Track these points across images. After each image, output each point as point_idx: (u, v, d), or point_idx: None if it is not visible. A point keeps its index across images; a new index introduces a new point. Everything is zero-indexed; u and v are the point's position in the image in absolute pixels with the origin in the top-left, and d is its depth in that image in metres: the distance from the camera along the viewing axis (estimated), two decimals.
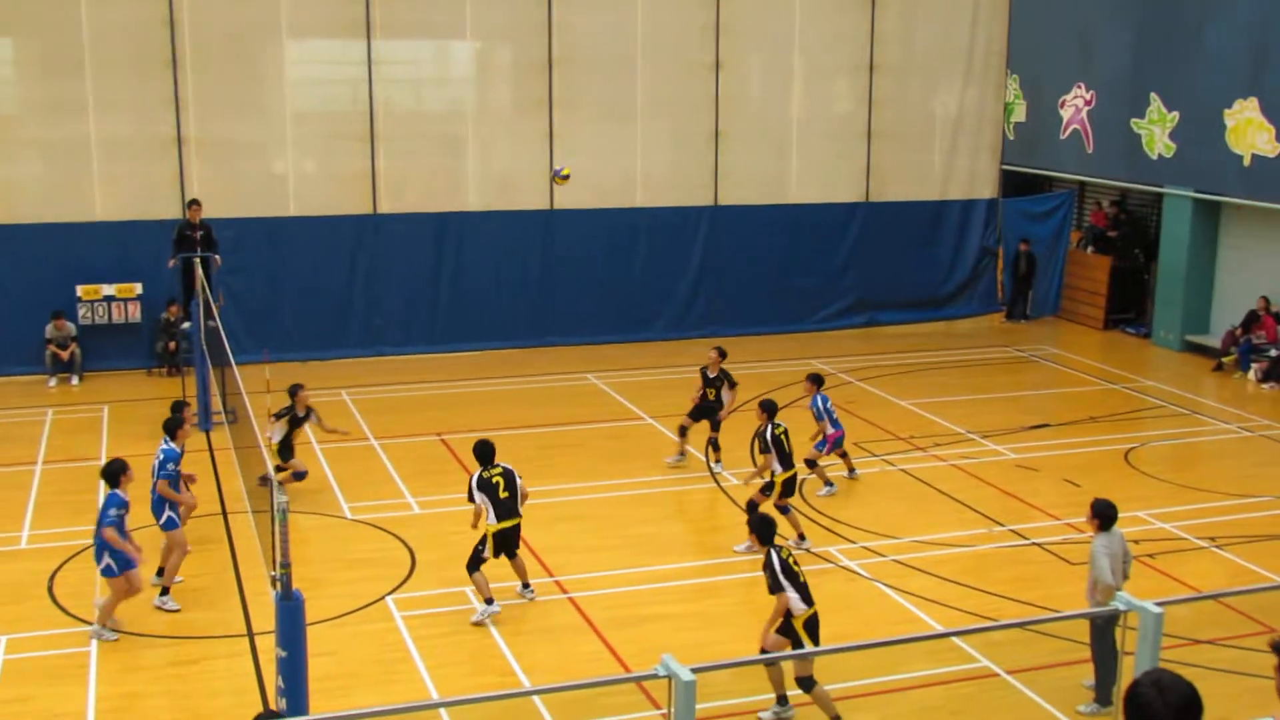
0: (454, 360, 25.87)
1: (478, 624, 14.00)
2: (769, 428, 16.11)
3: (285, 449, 17.58)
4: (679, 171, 27.48)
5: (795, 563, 12.14)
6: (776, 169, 28.07)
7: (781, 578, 11.89)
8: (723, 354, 19.37)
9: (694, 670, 6.50)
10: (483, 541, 14.25)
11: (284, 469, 17.36)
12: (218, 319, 18.68)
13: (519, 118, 26.62)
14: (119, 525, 13.66)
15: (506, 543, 14.35)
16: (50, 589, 14.94)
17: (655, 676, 6.63)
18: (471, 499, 14.35)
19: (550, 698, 12.10)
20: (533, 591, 14.75)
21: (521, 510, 14.49)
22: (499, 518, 14.20)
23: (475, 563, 14.21)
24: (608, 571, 15.51)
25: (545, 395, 23.54)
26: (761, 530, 12.38)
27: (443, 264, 26.43)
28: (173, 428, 15.10)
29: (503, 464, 14.52)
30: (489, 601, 14.14)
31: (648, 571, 15.58)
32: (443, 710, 11.93)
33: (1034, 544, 16.41)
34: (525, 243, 26.76)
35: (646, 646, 13.50)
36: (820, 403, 18.05)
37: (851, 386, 23.90)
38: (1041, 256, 30.30)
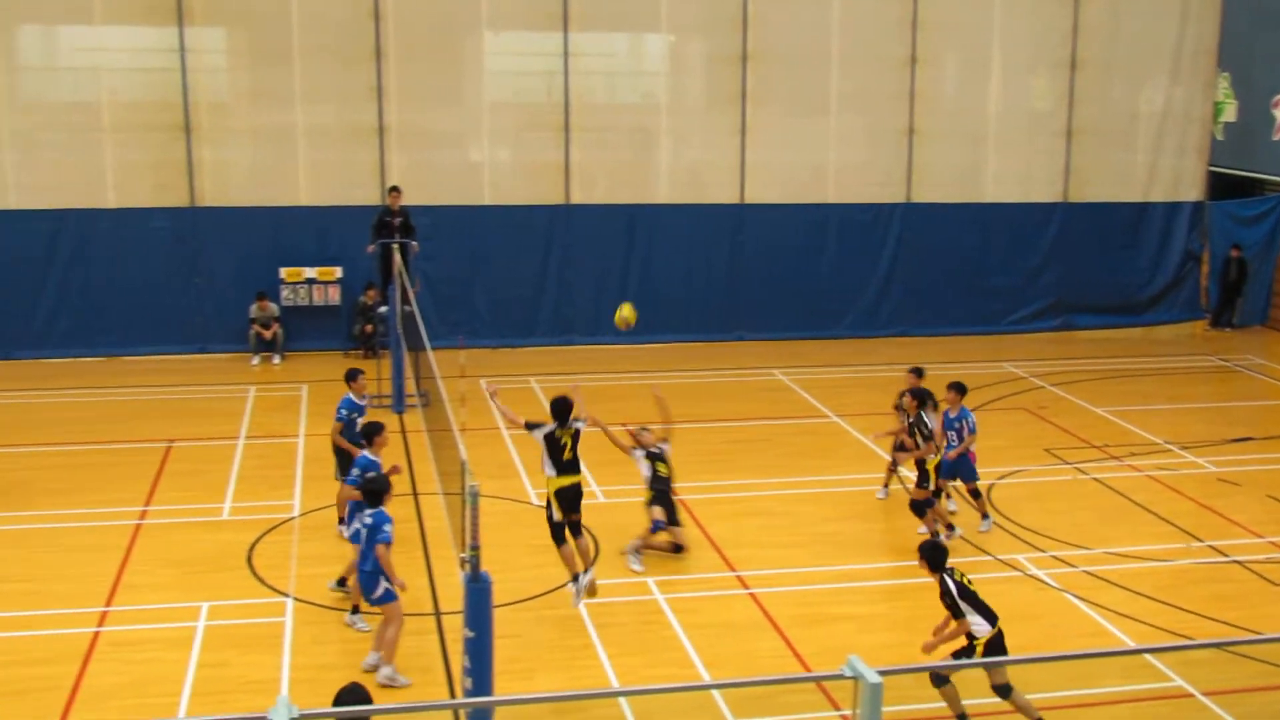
0: (641, 352, 25.97)
1: (588, 588, 13.82)
2: (930, 415, 15.94)
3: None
4: (871, 168, 27.16)
5: (969, 582, 11.89)
6: (971, 166, 27.55)
7: (961, 603, 11.66)
8: (920, 383, 16.93)
9: (881, 673, 6.40)
10: (549, 505, 14.05)
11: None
12: (414, 304, 19.05)
13: (711, 111, 26.63)
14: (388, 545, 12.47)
15: (567, 502, 13.93)
16: (249, 559, 15.45)
17: (840, 677, 6.52)
18: (526, 429, 14.11)
19: (730, 693, 12.06)
20: (586, 582, 13.95)
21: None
22: (559, 473, 13.93)
23: (556, 535, 14.04)
24: (791, 569, 15.40)
25: (732, 390, 23.49)
26: (932, 557, 11.89)
27: (632, 256, 26.59)
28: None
29: (578, 425, 14.06)
30: (575, 577, 13.97)
31: (832, 570, 15.44)
32: (622, 700, 12.02)
33: (1234, 561, 15.79)
34: (714, 236, 26.77)
35: (828, 646, 13.38)
36: (964, 416, 16.49)
37: (1044, 391, 23.32)
38: (1252, 263, 29.15)
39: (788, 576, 15.19)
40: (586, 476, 18.05)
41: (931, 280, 27.56)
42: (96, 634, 13.44)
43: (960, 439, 16.32)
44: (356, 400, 16.01)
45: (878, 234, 27.32)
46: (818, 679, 11.38)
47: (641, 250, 26.57)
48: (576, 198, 26.20)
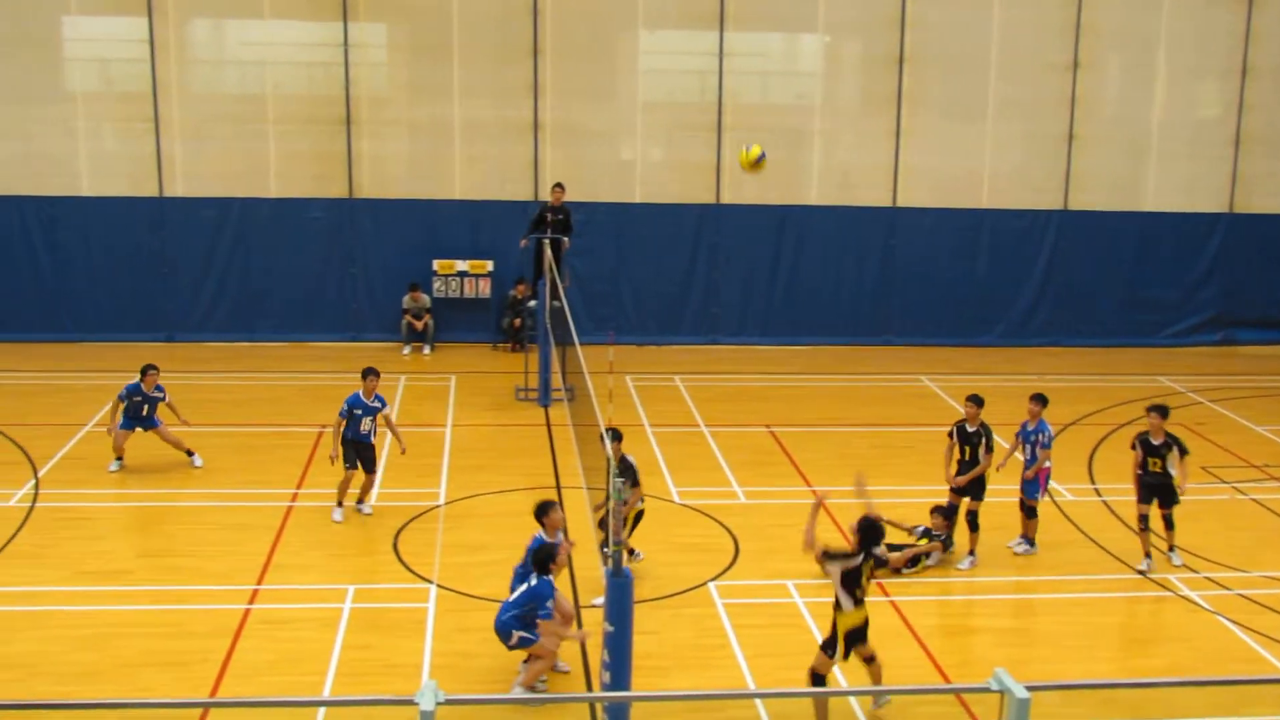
0: (787, 354, 25.93)
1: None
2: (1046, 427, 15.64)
3: None
4: (1027, 173, 26.71)
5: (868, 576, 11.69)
6: (1132, 174, 26.91)
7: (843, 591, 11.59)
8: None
9: (1029, 688, 6.29)
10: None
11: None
12: (563, 299, 19.22)
13: (865, 113, 26.44)
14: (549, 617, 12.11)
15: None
16: (395, 545, 15.73)
17: (986, 690, 6.45)
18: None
19: (866, 700, 11.99)
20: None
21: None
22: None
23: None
24: (931, 578, 15.22)
25: (878, 395, 23.29)
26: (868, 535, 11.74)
27: (781, 257, 26.51)
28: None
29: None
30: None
31: (973, 582, 15.22)
32: (758, 701, 12.00)
33: None
34: (865, 239, 26.57)
35: (967, 658, 13.20)
36: (1041, 430, 15.81)
37: (1202, 407, 22.65)
38: None
39: (927, 585, 15.00)
40: (732, 482, 18.15)
41: (1087, 290, 27.00)
42: (248, 611, 13.80)
43: (1035, 452, 15.81)
44: (364, 399, 16.49)
45: (1032, 241, 26.84)
46: (962, 690, 11.19)
47: (790, 251, 26.46)
48: (727, 197, 26.19)
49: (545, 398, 21.43)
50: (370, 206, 25.73)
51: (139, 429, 18.09)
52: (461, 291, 25.83)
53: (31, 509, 16.65)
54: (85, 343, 25.24)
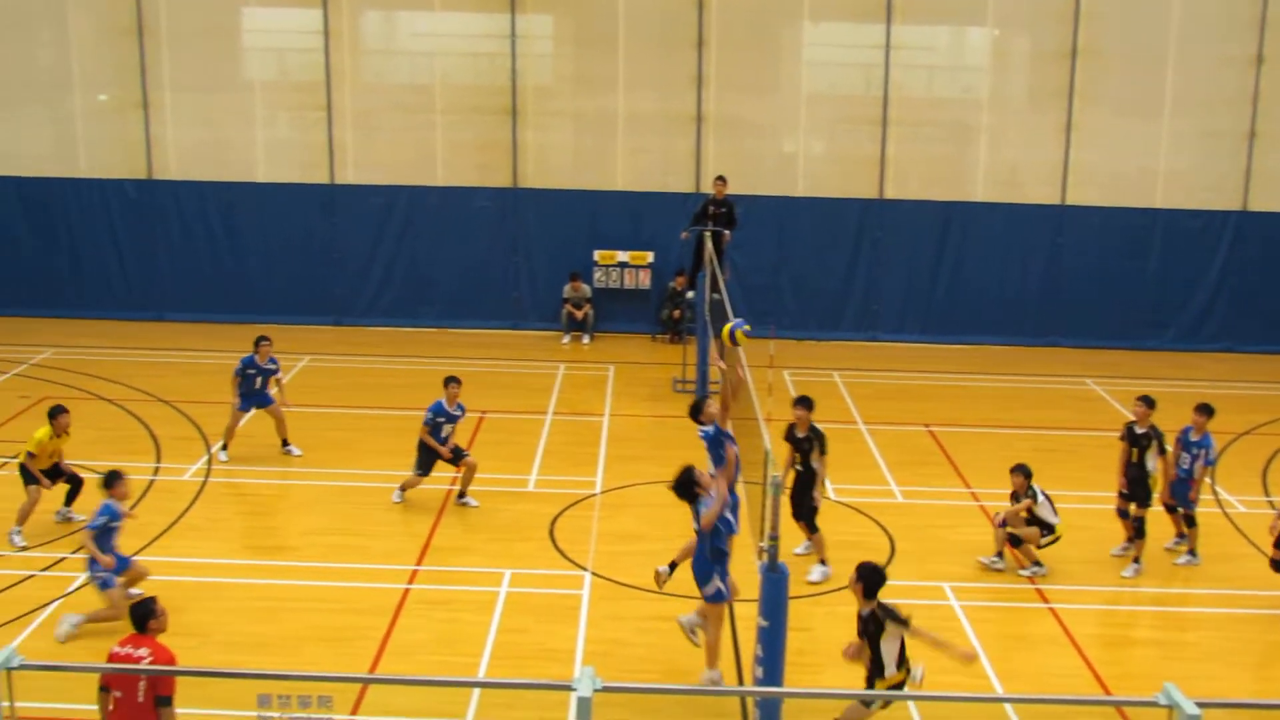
0: (948, 352, 25.61)
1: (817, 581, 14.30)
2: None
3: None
4: (1204, 172, 25.86)
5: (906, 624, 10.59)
6: None
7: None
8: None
9: (1199, 705, 6.10)
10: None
11: None
12: (723, 291, 19.11)
13: (1033, 108, 25.95)
14: None
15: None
16: (551, 531, 15.92)
17: (1153, 704, 6.28)
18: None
19: (1023, 707, 11.79)
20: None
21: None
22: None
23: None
24: (1094, 586, 14.90)
25: (1041, 397, 22.86)
26: (870, 581, 10.77)
27: (944, 254, 26.16)
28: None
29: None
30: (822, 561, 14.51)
31: (1138, 592, 14.86)
32: (911, 704, 11.88)
33: None
34: (1031, 238, 26.05)
35: (1129, 670, 12.92)
36: (1205, 444, 15.37)
37: None
38: None
39: (1089, 594, 14.67)
40: (889, 481, 17.98)
41: (1266, 294, 26.07)
42: (407, 590, 14.09)
43: (1194, 464, 15.34)
44: (446, 407, 16.61)
45: (1208, 242, 26.01)
46: (1127, 704, 10.90)
47: (954, 248, 26.10)
48: (890, 192, 25.93)
49: (702, 388, 21.41)
50: (534, 196, 26.02)
51: (254, 408, 18.20)
52: (621, 282, 26.00)
53: (204, 484, 17.23)
54: (257, 324, 25.90)
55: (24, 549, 14.90)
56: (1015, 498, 15.23)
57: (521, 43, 25.61)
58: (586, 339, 25.70)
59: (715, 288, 20.09)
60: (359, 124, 25.92)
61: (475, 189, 25.99)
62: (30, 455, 15.14)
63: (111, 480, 13.26)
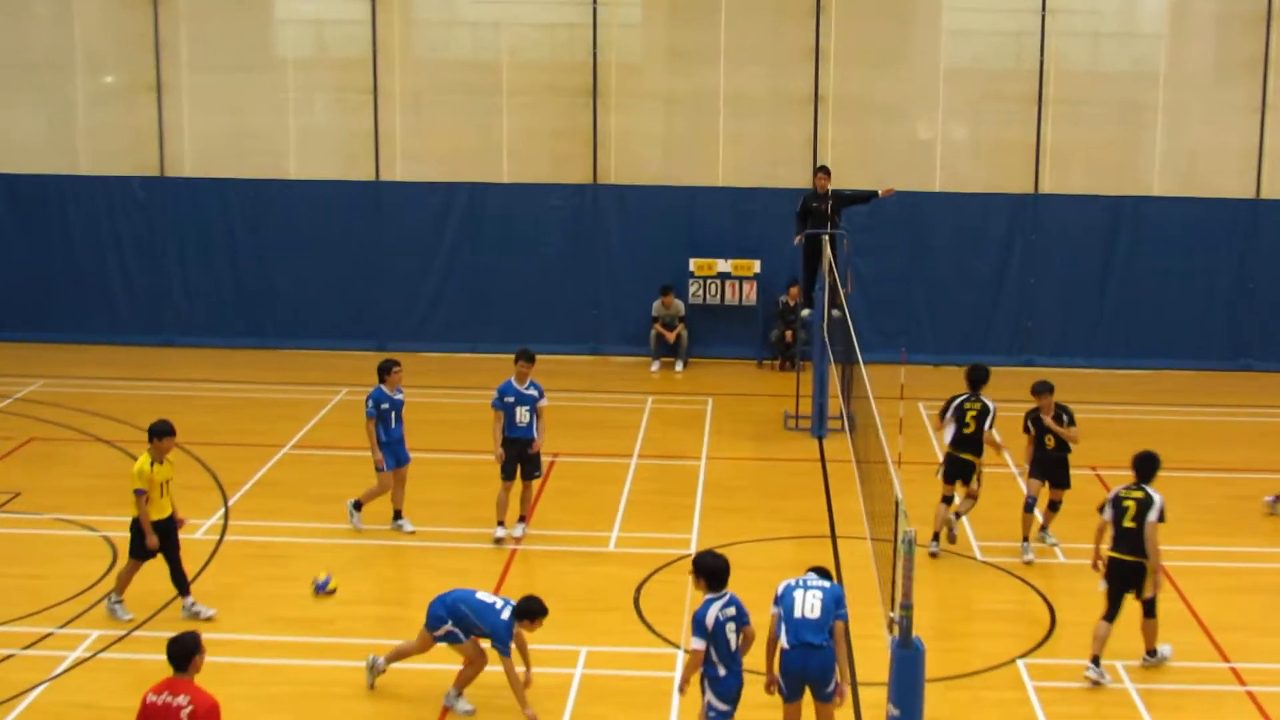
0: (1118, 379, 25.42)
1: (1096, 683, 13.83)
2: None
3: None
4: None
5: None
6: None
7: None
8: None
9: None
10: None
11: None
12: (844, 307, 19.00)
13: (1220, 82, 25.93)
14: None
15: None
16: (636, 600, 15.72)
17: None
18: None
19: None
20: None
21: None
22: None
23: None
24: None
25: (1236, 432, 22.77)
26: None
27: (1112, 259, 26.00)
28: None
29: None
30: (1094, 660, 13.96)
31: None
32: None
33: None
34: (1220, 238, 25.88)
35: None
36: None
37: None
38: None
39: None
40: (1047, 536, 17.57)
41: None
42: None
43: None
44: (517, 385, 16.94)
45: None
46: None
47: (1125, 252, 25.94)
48: (1047, 186, 25.78)
49: (820, 427, 21.25)
50: (617, 194, 26.08)
51: (396, 465, 17.49)
52: (722, 297, 25.88)
53: (219, 542, 17.22)
54: (286, 349, 26.23)
55: (131, 621, 14.84)
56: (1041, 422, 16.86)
57: (604, 10, 25.75)
58: (680, 366, 25.60)
59: (835, 302, 20.00)
60: (410, 108, 26.09)
61: (548, 186, 26.07)
62: (140, 492, 14.68)
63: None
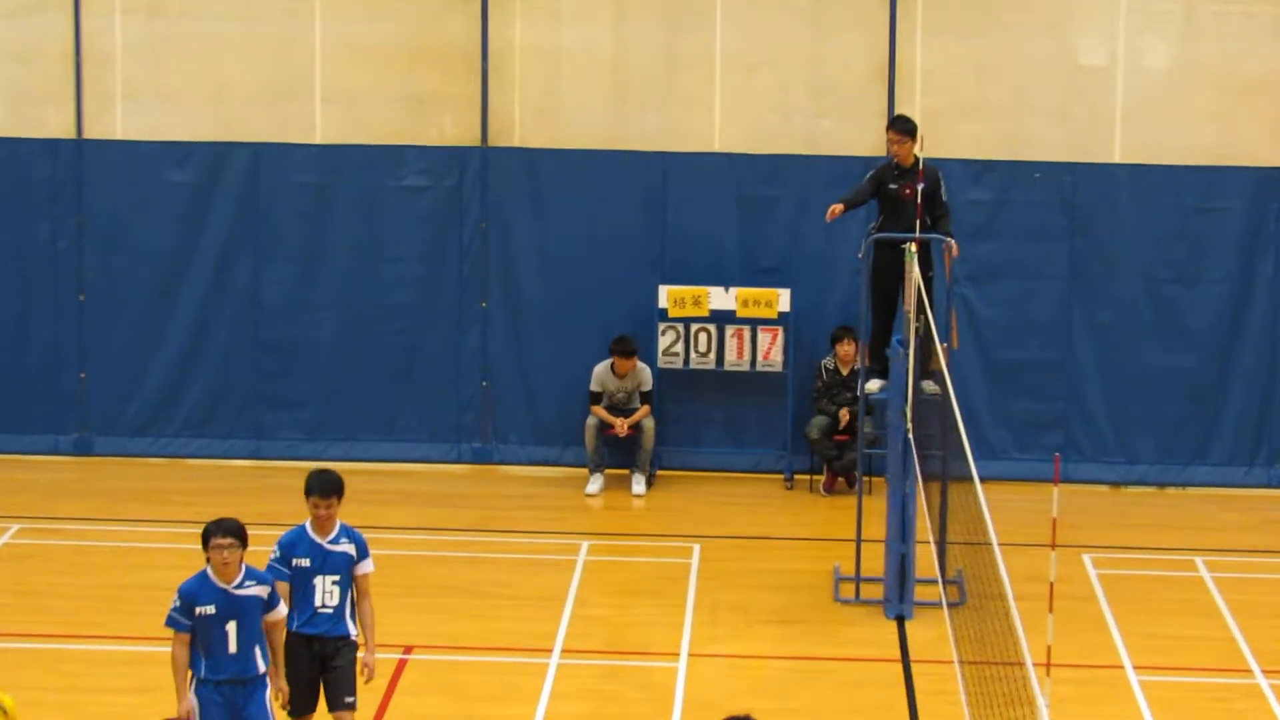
0: None
1: None
2: None
3: None
4: None
5: None
6: None
7: None
8: None
9: None
10: None
11: None
12: (944, 371, 18.83)
13: None
14: None
15: None
16: None
17: None
18: None
19: None
20: None
21: None
22: None
23: None
24: None
25: None
26: None
27: None
28: None
29: None
30: None
31: None
32: None
33: None
34: None
35: None
36: None
37: None
38: None
39: None
40: None
41: None
42: None
43: None
44: (311, 532, 16.92)
45: None
46: None
47: None
48: None
49: (901, 600, 20.39)
50: (524, 164, 26.17)
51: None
52: (720, 356, 25.42)
53: None
54: None
55: None
56: None
57: None
58: (641, 484, 25.30)
59: (928, 368, 20.59)
60: (140, 10, 25.67)
61: (398, 149, 26.20)
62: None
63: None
